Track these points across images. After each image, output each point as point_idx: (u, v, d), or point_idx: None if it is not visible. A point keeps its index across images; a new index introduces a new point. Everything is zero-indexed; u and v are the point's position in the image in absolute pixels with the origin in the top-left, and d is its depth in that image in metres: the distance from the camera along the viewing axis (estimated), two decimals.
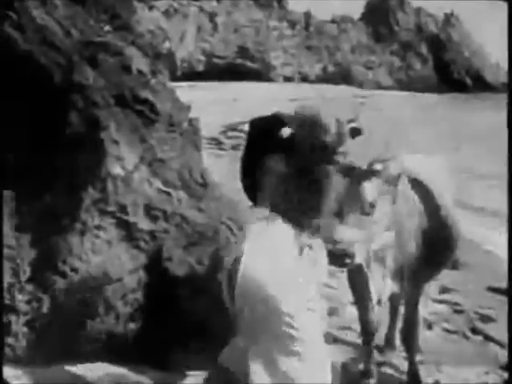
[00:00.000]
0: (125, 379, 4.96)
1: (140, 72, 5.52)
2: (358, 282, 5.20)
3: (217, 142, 23.93)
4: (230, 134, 26.68)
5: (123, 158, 5.26)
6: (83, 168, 5.17)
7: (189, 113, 5.85)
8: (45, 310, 5.00)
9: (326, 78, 56.93)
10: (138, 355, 5.06)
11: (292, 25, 60.40)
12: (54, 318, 5.00)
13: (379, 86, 57.20)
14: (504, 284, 7.96)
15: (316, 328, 4.23)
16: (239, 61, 56.51)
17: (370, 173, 4.83)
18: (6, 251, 4.94)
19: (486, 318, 7.56)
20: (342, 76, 57.60)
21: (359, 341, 5.95)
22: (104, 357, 5.11)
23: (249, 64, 56.52)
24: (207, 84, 48.30)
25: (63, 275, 5.06)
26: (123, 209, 5.24)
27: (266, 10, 59.67)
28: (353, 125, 7.58)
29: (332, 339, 6.47)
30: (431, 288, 8.00)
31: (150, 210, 5.33)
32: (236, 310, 4.22)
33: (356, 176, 4.79)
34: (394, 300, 5.88)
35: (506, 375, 5.73)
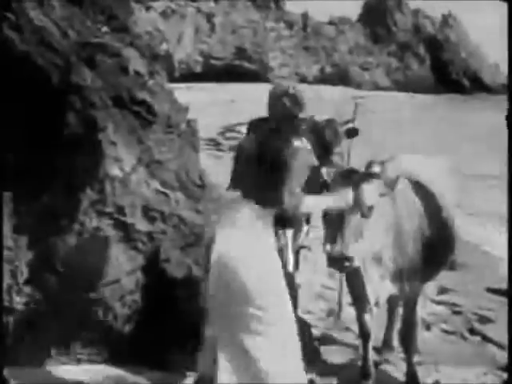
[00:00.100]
0: (123, 380, 4.96)
1: (137, 73, 5.52)
2: (356, 284, 5.20)
3: (215, 143, 23.92)
4: (228, 135, 26.66)
5: (121, 160, 5.26)
6: (81, 169, 5.16)
7: (187, 114, 5.84)
8: (43, 311, 5.00)
9: (323, 79, 56.92)
10: (135, 356, 5.06)
11: (289, 26, 60.37)
12: (51, 319, 5.00)
13: (377, 87, 57.20)
14: (503, 285, 7.96)
15: (284, 309, 4.39)
16: (237, 62, 56.49)
17: (368, 175, 4.83)
18: (4, 253, 4.94)
19: (484, 319, 7.56)
20: (340, 77, 57.59)
21: (357, 342, 5.95)
22: (102, 357, 5.10)
23: (246, 65, 56.50)
24: (205, 85, 48.30)
25: (61, 276, 5.06)
26: (121, 210, 5.24)
27: (263, 11, 59.65)
28: (350, 125, 7.60)
29: (330, 341, 6.47)
30: (429, 289, 7.99)
31: (147, 212, 5.32)
32: (209, 295, 4.40)
33: (355, 179, 4.79)
34: (392, 301, 5.88)
35: (504, 376, 5.72)
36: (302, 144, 4.59)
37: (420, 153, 6.44)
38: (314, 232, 5.81)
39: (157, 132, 5.49)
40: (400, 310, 5.79)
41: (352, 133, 7.43)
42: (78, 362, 5.01)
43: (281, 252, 6.62)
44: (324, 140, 7.19)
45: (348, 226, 4.69)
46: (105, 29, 5.70)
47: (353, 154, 6.89)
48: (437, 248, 5.40)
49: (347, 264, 4.67)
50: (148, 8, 49.78)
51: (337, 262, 4.68)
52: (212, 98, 37.74)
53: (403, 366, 5.66)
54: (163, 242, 5.30)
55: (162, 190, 5.41)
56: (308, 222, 7.39)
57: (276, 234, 6.69)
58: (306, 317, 6.48)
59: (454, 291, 8.59)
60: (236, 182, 4.60)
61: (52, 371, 4.85)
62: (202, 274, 5.14)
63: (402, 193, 5.10)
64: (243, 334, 4.33)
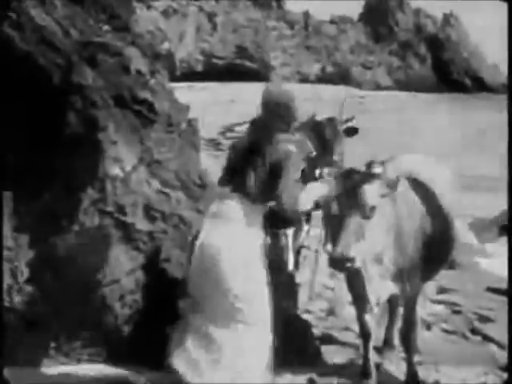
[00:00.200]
0: (123, 379, 4.95)
1: (139, 72, 5.52)
2: (356, 284, 5.19)
3: (215, 143, 23.95)
4: (229, 134, 26.69)
5: (122, 159, 5.26)
6: (82, 169, 5.16)
7: (188, 113, 5.84)
8: (43, 310, 5.00)
9: (324, 79, 56.92)
10: (135, 356, 5.05)
11: (291, 25, 60.35)
12: (51, 319, 5.00)
13: (378, 87, 57.20)
14: (503, 285, 7.96)
15: (261, 306, 4.51)
16: (238, 61, 56.49)
17: (370, 176, 4.82)
18: (4, 252, 4.94)
19: (484, 319, 7.56)
20: (341, 76, 57.58)
21: (357, 341, 5.95)
22: (102, 357, 5.10)
23: (248, 64, 56.49)
24: (206, 85, 48.30)
25: (61, 276, 5.06)
26: (121, 209, 5.24)
27: (264, 11, 59.63)
28: (349, 124, 7.60)
29: (330, 340, 6.47)
30: (429, 289, 7.99)
31: (148, 211, 5.32)
32: (191, 284, 4.52)
33: (356, 179, 4.78)
34: (392, 301, 5.88)
35: (505, 376, 5.72)
36: (292, 140, 4.65)
37: (421, 152, 6.43)
38: (315, 231, 5.81)
39: (158, 131, 5.49)
40: (400, 310, 5.79)
41: (351, 131, 7.44)
42: (78, 361, 5.02)
43: (280, 251, 6.65)
44: (324, 139, 7.20)
45: (349, 227, 4.68)
46: (106, 28, 5.69)
47: (353, 154, 6.90)
48: (437, 247, 5.41)
49: (349, 265, 4.67)
50: (149, 7, 49.78)
51: (338, 262, 4.68)
52: (213, 98, 37.76)
53: (404, 366, 5.66)
54: (164, 242, 5.30)
55: (163, 189, 5.41)
56: (308, 221, 7.41)
57: (277, 233, 6.71)
58: (305, 316, 6.48)
59: (453, 291, 8.59)
60: (226, 177, 4.74)
61: (52, 371, 4.85)
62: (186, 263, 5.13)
63: (403, 193, 5.09)
64: (215, 323, 4.45)
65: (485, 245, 11.99)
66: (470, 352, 6.57)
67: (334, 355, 6.09)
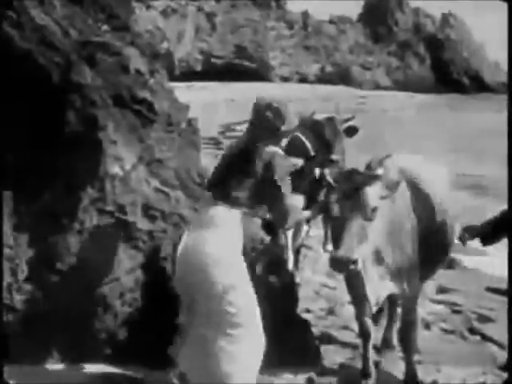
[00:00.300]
0: (122, 378, 4.96)
1: (138, 72, 5.52)
2: (356, 284, 5.19)
3: (215, 142, 23.98)
4: (228, 133, 26.72)
5: (121, 158, 5.26)
6: (81, 168, 5.16)
7: (187, 113, 5.84)
8: (43, 309, 5.00)
9: (323, 79, 56.98)
10: (135, 354, 5.05)
11: (290, 25, 60.42)
12: (51, 318, 5.00)
13: (377, 87, 57.24)
14: (503, 284, 7.96)
15: (249, 301, 4.52)
16: (237, 61, 56.51)
17: (371, 177, 4.80)
18: (4, 251, 4.94)
19: (483, 318, 7.56)
20: (340, 76, 57.65)
21: (357, 341, 5.95)
22: (102, 356, 5.10)
23: (247, 64, 56.53)
24: (205, 84, 48.31)
25: (61, 274, 5.06)
26: (121, 208, 5.24)
27: (263, 10, 59.68)
28: (349, 123, 7.61)
29: (330, 340, 6.48)
30: (429, 288, 8.00)
31: (148, 210, 5.32)
32: (178, 290, 4.58)
33: (358, 181, 4.76)
34: (391, 300, 5.88)
35: (504, 375, 5.72)
36: (276, 152, 4.69)
37: (420, 152, 6.44)
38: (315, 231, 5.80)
39: (157, 131, 5.49)
40: (400, 310, 5.79)
41: (351, 131, 7.46)
42: (78, 360, 5.01)
43: (280, 251, 6.66)
44: (324, 138, 7.21)
45: (351, 229, 4.67)
46: (105, 27, 5.69)
47: (352, 153, 6.90)
48: (434, 247, 5.41)
49: (352, 267, 4.66)
50: (148, 7, 49.81)
51: (341, 264, 4.66)
52: (212, 97, 37.79)
53: (403, 366, 5.66)
54: (163, 241, 5.30)
55: (163, 188, 5.41)
56: (308, 221, 7.42)
57: (276, 233, 6.72)
58: (305, 316, 6.49)
59: (453, 290, 8.60)
60: (212, 182, 4.84)
61: (52, 370, 4.85)
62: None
63: (401, 193, 5.09)
64: (207, 328, 4.47)
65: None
66: (469, 352, 6.58)
67: (333, 355, 6.09)
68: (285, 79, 56.11)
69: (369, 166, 5.10)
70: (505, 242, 5.05)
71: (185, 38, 54.83)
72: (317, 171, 6.74)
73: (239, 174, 4.63)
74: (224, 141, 24.07)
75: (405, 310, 5.52)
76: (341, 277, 5.79)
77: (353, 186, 4.76)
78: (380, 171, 4.85)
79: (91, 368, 4.97)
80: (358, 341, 5.81)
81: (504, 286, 7.76)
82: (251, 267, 5.43)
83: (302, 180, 5.33)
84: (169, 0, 54.15)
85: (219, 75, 52.22)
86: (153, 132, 5.46)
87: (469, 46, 61.27)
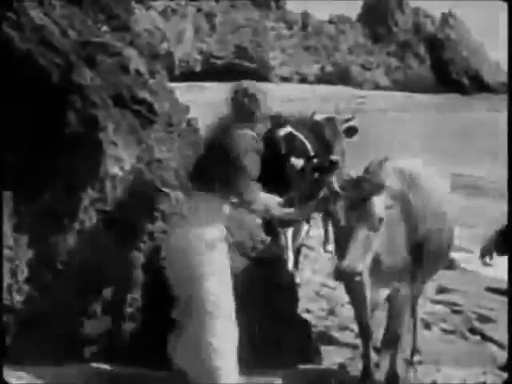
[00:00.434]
0: (122, 379, 4.96)
1: (138, 72, 5.52)
2: (354, 287, 5.14)
3: None
4: None
5: (121, 159, 5.26)
6: (81, 168, 5.16)
7: (187, 113, 5.85)
8: (43, 309, 5.00)
9: (323, 79, 57.00)
10: (135, 354, 5.05)
11: (290, 25, 60.44)
12: (51, 318, 5.00)
13: (377, 87, 57.26)
14: (502, 284, 7.97)
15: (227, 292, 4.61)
16: (237, 61, 56.51)
17: (379, 187, 4.74)
18: (4, 252, 4.94)
19: (483, 318, 7.56)
20: (340, 76, 57.67)
21: (357, 341, 5.95)
22: (102, 356, 5.10)
23: (246, 64, 56.52)
24: (205, 84, 48.32)
25: (61, 275, 5.06)
26: (121, 209, 5.24)
27: (263, 11, 59.71)
28: (349, 124, 7.62)
29: (330, 340, 6.48)
30: (429, 288, 8.00)
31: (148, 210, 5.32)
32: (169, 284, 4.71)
33: (365, 190, 4.70)
34: (391, 301, 5.86)
35: (504, 375, 5.72)
36: (247, 133, 4.69)
37: (420, 152, 6.43)
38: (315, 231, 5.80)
39: (157, 131, 5.49)
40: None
41: (351, 131, 7.47)
42: (78, 361, 5.01)
43: (280, 251, 6.66)
44: (324, 139, 7.22)
45: (357, 240, 4.61)
46: (105, 28, 5.69)
47: (352, 153, 6.90)
48: (434, 248, 5.39)
49: (358, 279, 4.62)
50: (148, 7, 49.83)
51: (345, 275, 4.62)
52: (212, 97, 37.76)
53: (402, 366, 5.65)
54: (163, 241, 5.30)
55: (163, 189, 5.41)
56: (308, 221, 7.43)
57: (276, 233, 6.72)
58: (305, 316, 6.49)
59: (453, 290, 8.60)
60: (191, 173, 4.91)
61: (52, 371, 4.85)
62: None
63: (397, 193, 5.02)
64: (190, 318, 4.63)
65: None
66: (469, 352, 6.58)
67: (333, 355, 6.10)
68: (284, 79, 56.13)
69: (367, 170, 5.07)
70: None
71: (184, 39, 54.86)
72: (316, 174, 6.77)
73: (215, 161, 4.67)
74: None
75: (394, 311, 5.41)
76: None
77: (360, 195, 4.70)
78: (388, 181, 4.80)
79: (91, 368, 4.97)
80: (358, 341, 5.81)
81: (503, 286, 7.77)
82: (251, 267, 5.44)
83: (302, 180, 5.33)
84: (168, 0, 54.17)
85: (219, 75, 52.21)
86: (153, 132, 5.46)
87: (468, 45, 61.26)
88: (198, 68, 54.91)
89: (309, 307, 7.23)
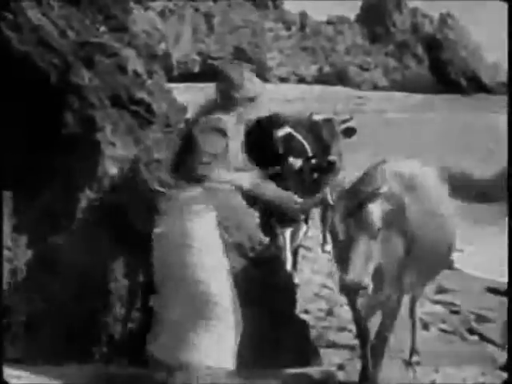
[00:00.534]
0: (122, 378, 4.95)
1: (136, 73, 5.51)
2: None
3: None
4: None
5: (119, 159, 5.26)
6: (80, 169, 5.16)
7: (185, 114, 5.84)
8: (42, 310, 5.00)
9: (321, 79, 56.95)
10: (135, 354, 5.05)
11: (287, 26, 60.41)
12: (50, 319, 4.99)
13: (375, 87, 57.23)
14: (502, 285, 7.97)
15: (224, 287, 4.52)
16: (235, 62, 56.45)
17: (375, 195, 4.70)
18: (4, 252, 4.94)
19: (482, 319, 7.56)
20: (338, 77, 57.61)
21: (356, 342, 5.94)
22: (101, 357, 5.10)
23: (244, 65, 56.48)
24: (204, 85, 48.29)
25: (60, 275, 5.06)
26: (120, 209, 5.23)
27: (261, 11, 59.68)
28: (347, 124, 7.62)
29: (328, 342, 6.47)
30: (428, 289, 7.99)
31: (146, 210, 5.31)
32: (156, 276, 4.60)
33: (361, 198, 4.66)
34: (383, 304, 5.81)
35: (503, 375, 5.72)
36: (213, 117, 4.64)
37: (419, 152, 6.43)
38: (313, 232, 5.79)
39: (155, 131, 5.49)
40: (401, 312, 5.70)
41: (349, 132, 7.47)
42: (78, 361, 5.01)
43: (278, 252, 6.66)
44: (322, 139, 7.22)
45: (358, 250, 4.54)
46: (103, 28, 5.69)
47: (351, 154, 6.89)
48: (434, 250, 5.34)
49: (364, 292, 4.56)
50: (146, 8, 49.79)
51: (351, 290, 4.55)
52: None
53: (402, 367, 5.65)
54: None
55: (161, 189, 5.40)
56: (307, 222, 7.43)
57: (275, 234, 6.72)
58: (304, 317, 6.48)
59: (452, 291, 8.60)
60: (172, 165, 4.83)
61: (51, 371, 4.85)
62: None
63: (393, 197, 4.96)
64: (183, 317, 4.50)
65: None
66: (468, 352, 6.57)
67: (332, 356, 6.09)
68: (282, 80, 56.12)
69: (366, 174, 5.04)
70: (503, 245, 5.00)
71: (183, 39, 54.83)
72: (315, 174, 6.76)
73: (179, 149, 4.67)
74: None
75: (384, 316, 5.29)
76: None
77: (356, 202, 4.63)
78: (385, 188, 4.76)
79: (91, 368, 4.96)
80: (357, 342, 5.79)
81: (503, 286, 7.77)
82: (249, 268, 5.44)
83: (300, 180, 5.32)
84: (167, 1, 54.14)
85: (217, 76, 52.18)
86: (151, 133, 5.45)
87: (467, 46, 61.22)
88: (196, 69, 54.89)
89: (307, 308, 7.22)
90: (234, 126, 4.66)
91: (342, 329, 6.85)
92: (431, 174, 5.74)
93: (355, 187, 4.82)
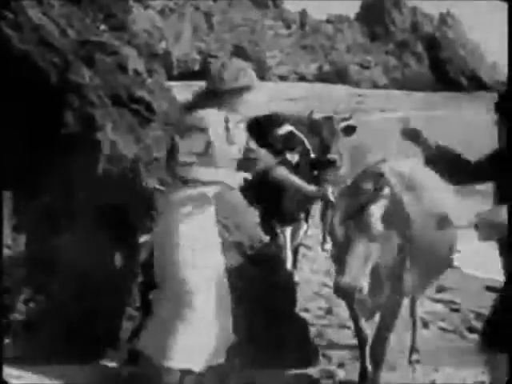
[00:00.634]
0: (122, 379, 4.96)
1: (136, 71, 5.52)
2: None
3: None
4: None
5: (119, 158, 5.26)
6: (80, 168, 5.16)
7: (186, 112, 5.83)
8: (42, 310, 5.00)
9: (321, 78, 56.96)
10: (135, 354, 5.05)
11: (287, 24, 60.41)
12: (50, 318, 4.99)
13: (375, 85, 57.24)
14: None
15: (210, 291, 4.50)
16: (233, 58, 56.46)
17: (376, 196, 4.69)
18: (4, 251, 4.94)
19: (482, 317, 7.55)
20: (338, 75, 57.62)
21: (355, 341, 5.93)
22: (102, 356, 5.10)
23: (243, 63, 56.44)
24: (203, 84, 48.21)
25: (60, 275, 5.06)
26: (120, 208, 5.23)
27: (261, 10, 59.69)
28: (347, 123, 7.61)
29: (328, 342, 6.47)
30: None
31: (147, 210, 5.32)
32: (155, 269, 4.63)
33: (363, 199, 4.67)
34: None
35: None
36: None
37: (419, 151, 6.41)
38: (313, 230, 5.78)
39: (155, 130, 5.49)
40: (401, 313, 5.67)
41: (349, 130, 7.47)
42: (78, 361, 5.01)
43: (279, 250, 6.66)
44: (322, 138, 7.22)
45: (356, 253, 4.49)
46: (103, 27, 5.69)
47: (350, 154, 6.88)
48: (436, 250, 5.32)
49: (359, 295, 4.51)
50: (146, 6, 49.78)
51: (346, 293, 4.49)
52: None
53: (401, 367, 5.65)
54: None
55: (161, 187, 5.40)
56: (307, 220, 7.43)
57: (275, 232, 6.71)
58: (303, 315, 6.48)
59: (452, 289, 8.58)
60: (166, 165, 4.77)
61: (52, 371, 4.85)
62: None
63: (393, 197, 4.93)
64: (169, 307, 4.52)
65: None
66: (468, 350, 6.56)
67: (331, 355, 6.09)
68: (282, 78, 56.13)
69: (365, 172, 5.03)
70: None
71: (183, 38, 54.83)
72: (315, 172, 6.75)
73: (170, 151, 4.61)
74: None
75: (383, 320, 5.26)
76: None
77: (357, 204, 4.61)
78: (387, 190, 4.74)
79: (91, 368, 4.97)
80: (356, 341, 5.78)
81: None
82: (249, 267, 5.44)
83: (298, 175, 5.30)
84: None
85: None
86: (151, 131, 5.45)
87: (466, 45, 61.26)
88: (196, 67, 54.88)
89: (307, 306, 7.22)
90: (224, 121, 4.61)
91: (341, 327, 6.85)
92: (431, 174, 5.72)
93: (356, 184, 4.80)
